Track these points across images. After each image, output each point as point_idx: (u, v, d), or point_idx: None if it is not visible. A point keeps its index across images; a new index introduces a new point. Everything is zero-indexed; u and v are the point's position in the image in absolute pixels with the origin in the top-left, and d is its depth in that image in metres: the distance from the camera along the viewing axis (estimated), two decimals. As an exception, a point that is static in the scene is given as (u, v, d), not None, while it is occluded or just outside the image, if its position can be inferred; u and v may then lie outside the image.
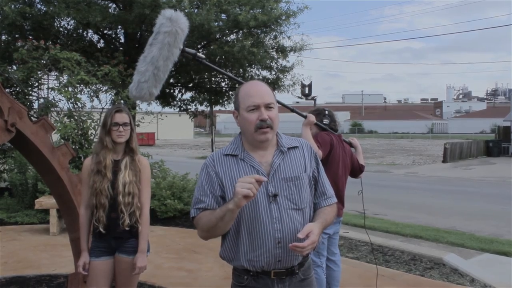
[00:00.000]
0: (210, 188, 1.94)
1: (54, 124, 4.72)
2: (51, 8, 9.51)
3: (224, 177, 1.93)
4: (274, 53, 12.40)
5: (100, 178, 2.83)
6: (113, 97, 8.61)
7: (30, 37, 9.55)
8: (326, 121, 3.91)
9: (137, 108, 9.73)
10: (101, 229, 2.83)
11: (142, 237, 2.89)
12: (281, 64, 12.74)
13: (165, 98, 13.35)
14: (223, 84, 13.52)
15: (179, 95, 14.00)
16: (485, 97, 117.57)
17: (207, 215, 1.89)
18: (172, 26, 2.23)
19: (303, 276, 1.99)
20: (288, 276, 1.94)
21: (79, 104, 8.11)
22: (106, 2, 11.10)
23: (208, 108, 16.24)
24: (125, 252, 2.89)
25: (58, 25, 11.03)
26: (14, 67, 9.77)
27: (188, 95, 14.02)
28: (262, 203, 1.89)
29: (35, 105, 9.50)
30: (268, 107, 1.91)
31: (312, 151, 2.08)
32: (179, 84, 13.40)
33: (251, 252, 1.89)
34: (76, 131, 7.70)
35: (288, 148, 2.00)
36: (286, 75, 12.91)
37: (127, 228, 2.84)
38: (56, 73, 9.12)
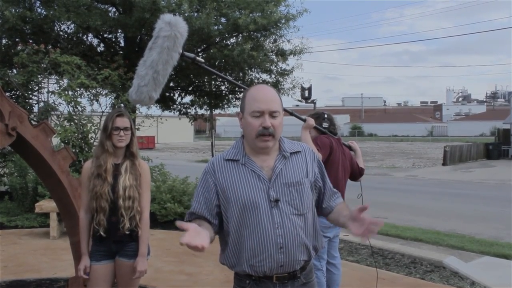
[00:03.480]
0: (205, 194, 1.95)
1: (54, 128, 4.73)
2: (51, 12, 9.53)
3: (225, 183, 1.93)
4: (274, 56, 12.43)
5: (101, 182, 2.83)
6: (113, 101, 8.63)
7: (30, 41, 9.58)
8: (325, 124, 3.91)
9: (137, 111, 9.74)
10: (102, 233, 2.83)
11: (142, 241, 2.89)
12: (281, 67, 12.77)
13: (165, 102, 13.37)
14: (223, 87, 13.53)
15: (179, 99, 14.02)
16: (484, 99, 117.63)
17: None
18: (171, 30, 2.24)
19: (305, 280, 1.99)
20: (290, 280, 1.94)
21: (79, 107, 8.13)
22: (106, 6, 11.13)
23: (208, 112, 16.24)
24: (126, 256, 2.89)
25: (58, 29, 11.06)
26: (15, 71, 9.80)
27: (188, 98, 14.04)
28: (263, 209, 1.88)
29: (35, 109, 9.52)
30: (272, 115, 1.89)
31: (315, 156, 2.07)
32: (179, 88, 13.41)
33: (253, 257, 1.89)
34: (76, 134, 7.71)
35: (291, 153, 1.99)
36: (286, 78, 12.94)
37: (127, 232, 2.85)
38: (56, 77, 9.15)
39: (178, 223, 1.61)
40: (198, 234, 1.63)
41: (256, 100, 1.90)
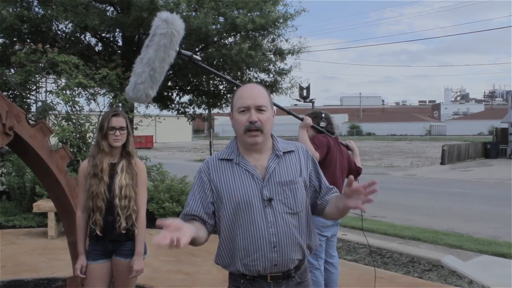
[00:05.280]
0: (201, 193, 1.95)
1: (52, 127, 4.71)
2: (49, 12, 9.51)
3: (219, 182, 1.93)
4: (272, 55, 12.42)
5: (97, 181, 2.83)
6: (111, 100, 8.61)
7: (28, 40, 9.57)
8: (323, 123, 3.92)
9: (135, 111, 9.72)
10: (98, 232, 2.83)
11: (139, 240, 2.89)
12: (279, 67, 12.77)
13: (163, 101, 13.36)
14: (221, 87, 13.54)
15: (177, 98, 14.02)
16: (482, 99, 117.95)
17: None
18: (168, 28, 2.24)
19: (300, 279, 1.98)
20: (285, 279, 1.93)
21: (77, 107, 8.11)
22: (104, 6, 11.11)
23: (206, 111, 16.24)
24: (122, 255, 2.89)
25: (56, 28, 11.04)
26: (12, 70, 9.77)
27: (186, 98, 14.05)
28: (257, 208, 1.88)
29: (33, 108, 9.50)
30: (259, 109, 1.89)
31: (309, 155, 2.06)
32: (177, 87, 13.41)
33: (247, 256, 1.88)
34: (74, 134, 7.69)
35: (284, 152, 1.99)
36: (284, 78, 12.93)
37: (123, 231, 2.84)
38: (54, 76, 9.12)
39: (159, 221, 1.46)
40: (177, 229, 1.49)
41: (242, 97, 1.91)
